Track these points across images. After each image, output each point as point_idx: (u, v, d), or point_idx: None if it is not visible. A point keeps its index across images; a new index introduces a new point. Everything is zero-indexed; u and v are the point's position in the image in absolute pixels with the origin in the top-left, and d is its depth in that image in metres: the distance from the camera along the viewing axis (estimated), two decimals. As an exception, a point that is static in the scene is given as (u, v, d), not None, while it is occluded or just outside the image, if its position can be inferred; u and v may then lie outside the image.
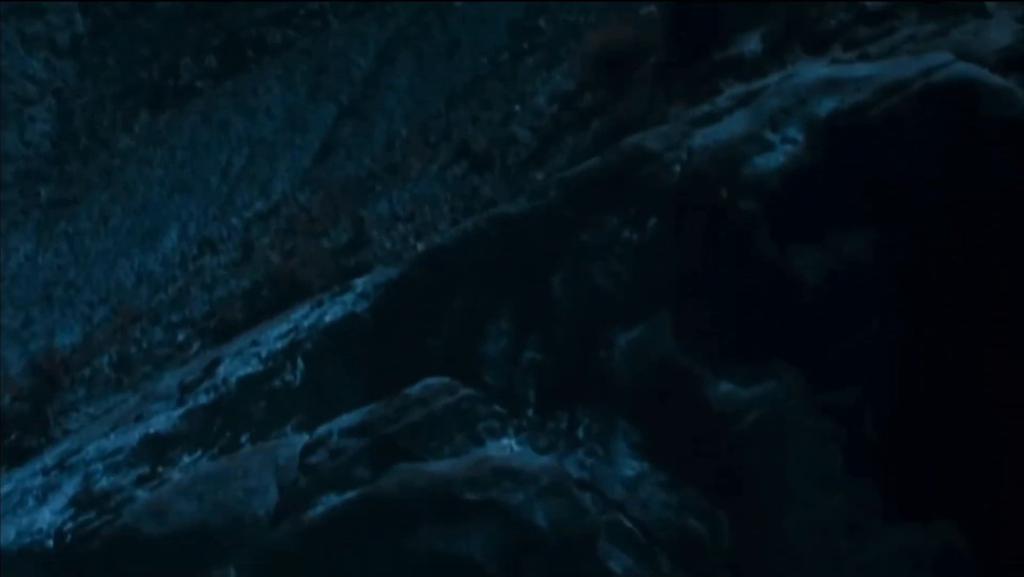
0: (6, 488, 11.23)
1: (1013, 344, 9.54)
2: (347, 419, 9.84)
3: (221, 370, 10.83)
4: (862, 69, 9.93)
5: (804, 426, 9.48)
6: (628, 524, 9.21)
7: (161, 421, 10.82)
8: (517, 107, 12.54)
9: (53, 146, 16.66)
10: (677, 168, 9.95)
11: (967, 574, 9.45)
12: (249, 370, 10.50)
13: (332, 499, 9.48)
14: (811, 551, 9.33)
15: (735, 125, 10.00)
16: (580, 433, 9.54)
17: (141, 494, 10.30)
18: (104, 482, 10.62)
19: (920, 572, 9.45)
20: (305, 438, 9.99)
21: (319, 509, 9.46)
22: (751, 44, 10.78)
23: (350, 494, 9.44)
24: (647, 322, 9.69)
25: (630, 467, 9.41)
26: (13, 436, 12.49)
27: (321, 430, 9.90)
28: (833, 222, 9.76)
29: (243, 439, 10.26)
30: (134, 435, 10.92)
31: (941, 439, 9.44)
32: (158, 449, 10.63)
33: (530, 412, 9.71)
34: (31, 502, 11.06)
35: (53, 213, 15.70)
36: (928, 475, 9.48)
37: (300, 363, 10.30)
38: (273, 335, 10.74)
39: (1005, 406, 9.50)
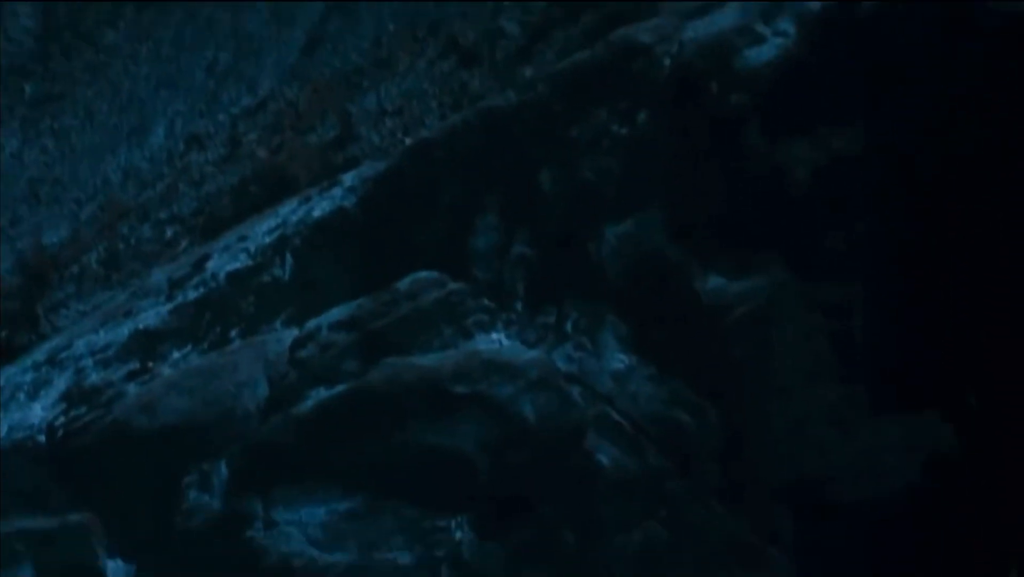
0: (-3, 384, 11.27)
1: (1009, 238, 9.54)
2: (336, 313, 9.83)
3: (210, 266, 10.80)
4: (856, -40, 9.82)
5: (793, 320, 9.50)
6: (616, 417, 9.26)
7: (150, 317, 10.81)
8: (506, 1, 12.39)
9: (36, 42, 16.46)
10: (667, 61, 9.86)
11: (957, 468, 9.54)
12: (238, 265, 10.47)
13: (322, 393, 9.51)
14: (799, 444, 9.40)
15: (727, 18, 9.89)
16: (569, 327, 9.55)
17: (131, 389, 10.32)
18: (94, 377, 10.64)
19: (909, 466, 9.52)
20: (295, 332, 9.99)
21: (309, 403, 9.49)
22: (743, -65, 10.65)
23: (339, 388, 9.47)
24: (636, 216, 9.66)
25: (619, 360, 9.44)
26: (3, 333, 12.49)
27: (310, 324, 9.90)
28: (825, 116, 9.70)
29: (232, 334, 10.26)
30: (124, 331, 10.92)
31: (932, 333, 9.47)
32: (148, 344, 10.63)
33: (519, 306, 9.71)
34: (22, 398, 11.09)
35: (38, 110, 15.56)
36: (918, 369, 9.52)
37: (289, 258, 10.27)
38: (261, 230, 10.69)
39: (998, 300, 9.52)
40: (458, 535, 9.06)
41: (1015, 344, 9.51)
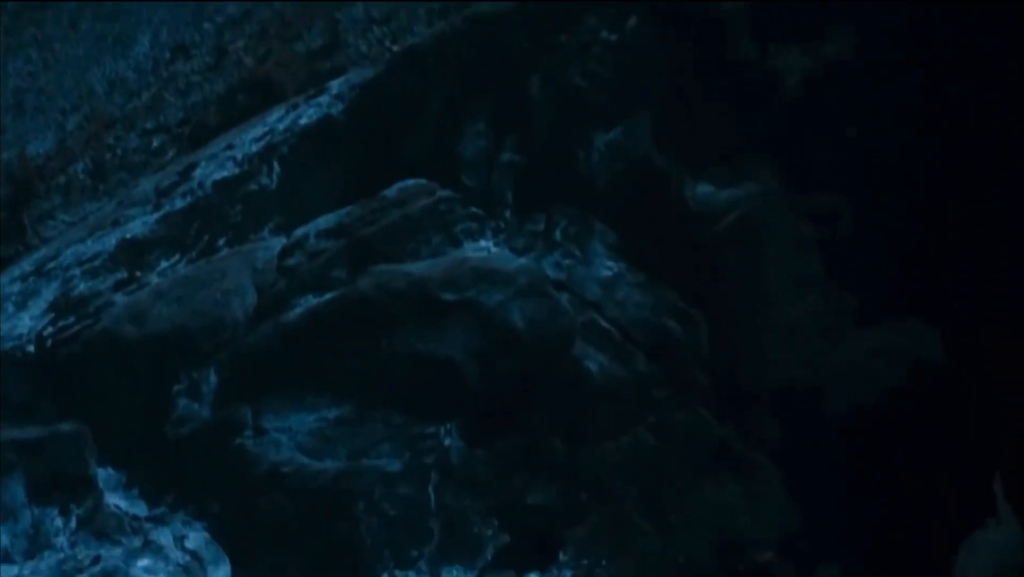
0: (-16, 295, 11.23)
1: (1000, 147, 9.51)
2: (324, 221, 9.79)
3: (197, 174, 10.72)
4: None
5: (781, 228, 9.49)
6: (604, 324, 9.27)
7: (138, 226, 10.75)
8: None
9: (19, -50, 16.23)
10: (658, -33, 9.76)
11: (942, 375, 9.58)
12: (225, 174, 10.39)
13: (310, 301, 9.49)
14: (786, 352, 9.43)
15: (717, -77, 9.78)
16: (557, 234, 9.53)
17: (119, 298, 10.28)
18: (82, 287, 10.59)
19: (894, 373, 9.56)
20: (282, 240, 9.95)
21: (297, 311, 9.48)
22: None
23: (328, 296, 9.45)
24: (625, 123, 9.61)
25: (607, 268, 9.44)
26: (-10, 244, 12.44)
27: (298, 232, 9.86)
28: (817, 23, 9.63)
29: (220, 242, 10.21)
30: (111, 240, 10.86)
31: (919, 241, 9.48)
32: (135, 254, 10.58)
33: (507, 214, 9.68)
34: (11, 308, 11.05)
35: (21, 19, 15.37)
36: (905, 277, 9.53)
37: (276, 166, 10.20)
38: (248, 138, 10.60)
39: (987, 206, 9.51)
40: (447, 442, 9.09)
41: (1002, 251, 9.52)
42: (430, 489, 9.02)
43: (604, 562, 9.00)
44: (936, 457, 9.43)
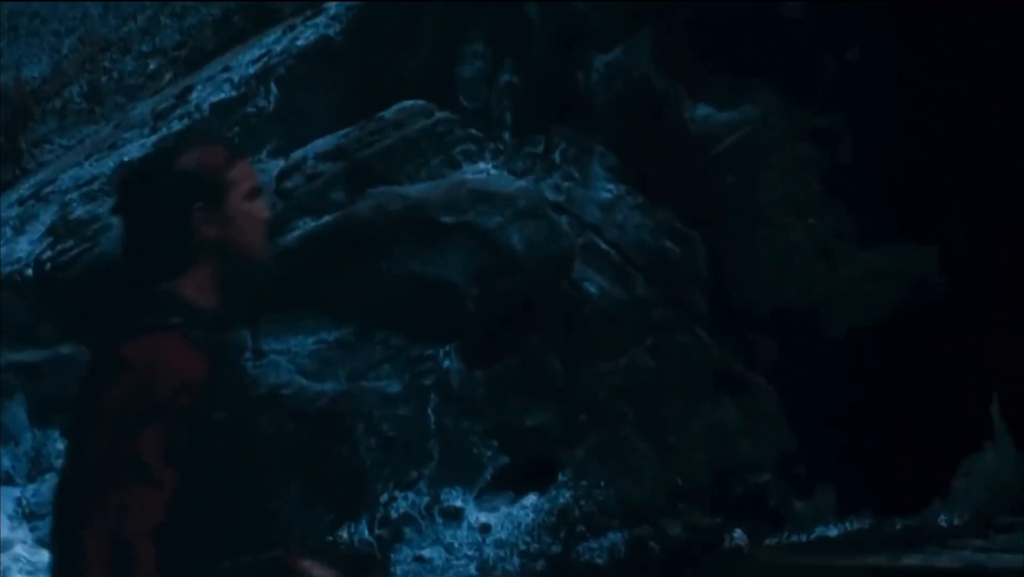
0: (-18, 221, 11.21)
1: (1004, 68, 9.46)
2: (322, 143, 9.72)
3: (193, 97, 10.66)
4: None
5: (781, 150, 9.47)
6: (604, 246, 9.26)
7: (135, 149, 10.69)
8: None
9: None
10: None
11: (940, 297, 9.60)
12: (222, 96, 10.32)
13: (308, 223, 9.46)
14: (784, 274, 9.44)
15: None
16: (556, 156, 9.49)
17: (118, 222, 10.26)
18: (80, 211, 10.56)
19: (893, 295, 9.59)
20: (280, 163, 9.90)
21: (296, 233, 9.44)
22: None
23: (326, 218, 9.42)
24: (625, 44, 9.52)
25: (606, 190, 9.41)
26: (-13, 169, 12.40)
27: (296, 155, 9.80)
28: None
29: (218, 166, 10.17)
30: (108, 164, 10.82)
31: (919, 162, 9.46)
32: (133, 177, 10.53)
33: (506, 135, 9.63)
34: (8, 232, 11.03)
35: (14, -59, 15.22)
36: (905, 199, 9.52)
37: (273, 88, 10.13)
38: (245, 60, 10.52)
39: (989, 128, 9.49)
40: (446, 363, 9.11)
41: (1004, 172, 9.51)
42: (429, 411, 9.05)
43: (602, 483, 9.06)
44: (933, 380, 9.47)
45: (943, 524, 9.49)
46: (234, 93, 10.30)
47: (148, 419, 2.82)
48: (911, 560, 8.73)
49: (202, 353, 3.00)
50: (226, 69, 10.67)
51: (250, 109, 10.21)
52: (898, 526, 9.41)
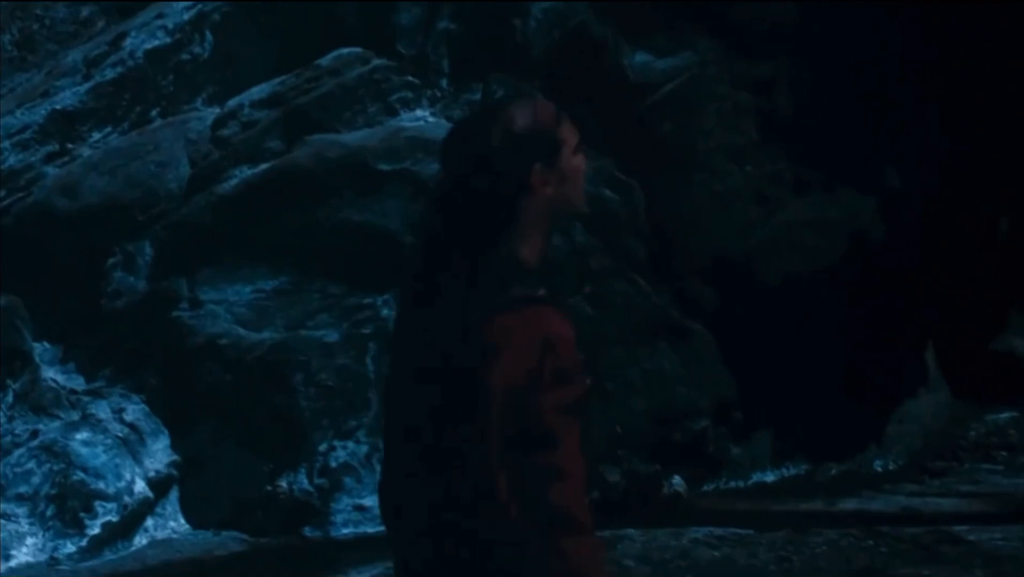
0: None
1: (937, 18, 9.50)
2: (258, 91, 9.61)
3: (127, 44, 10.46)
4: None
5: (719, 97, 9.48)
6: (542, 194, 9.24)
7: (68, 97, 10.52)
8: None
9: None
10: None
11: (876, 245, 9.68)
12: (156, 43, 10.14)
13: (245, 171, 9.36)
14: (722, 221, 9.48)
15: None
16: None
17: (51, 171, 10.09)
18: (12, 160, 10.38)
19: (829, 243, 9.66)
20: (216, 111, 9.78)
21: (232, 181, 9.35)
22: None
23: (263, 166, 9.32)
24: (563, -10, 9.50)
25: (544, 137, 9.38)
26: (-84, 119, 12.17)
27: (232, 103, 9.68)
28: None
29: (153, 113, 10.02)
30: (41, 112, 10.62)
31: (856, 108, 9.50)
32: (66, 125, 10.36)
33: (444, 83, 9.57)
34: (-60, 182, 10.86)
35: None
36: (841, 146, 9.58)
37: (208, 35, 9.97)
38: (179, 7, 10.32)
39: (926, 80, 9.54)
40: (384, 312, 9.08)
41: (941, 120, 9.57)
42: (368, 359, 9.02)
43: (541, 430, 9.08)
44: (869, 327, 9.56)
45: (878, 469, 9.62)
46: (168, 40, 10.13)
47: (560, 385, 2.82)
48: (846, 505, 8.84)
49: (567, 316, 2.95)
50: (160, 16, 10.49)
51: (185, 56, 10.06)
52: (833, 472, 9.53)
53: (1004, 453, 9.71)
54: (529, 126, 3.01)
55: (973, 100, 9.63)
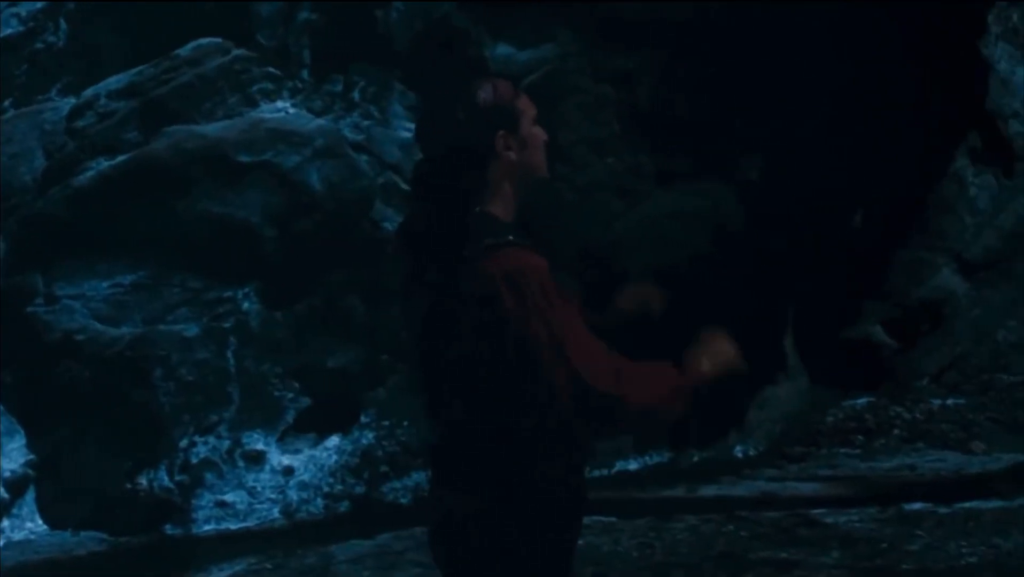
0: None
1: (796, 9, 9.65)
2: (115, 81, 9.43)
3: (-21, 33, 10.24)
4: None
5: (581, 90, 9.52)
6: (404, 186, 9.21)
7: (-82, 86, 10.26)
8: None
9: None
10: None
11: (736, 236, 9.80)
12: (9, 31, 9.91)
13: (102, 163, 9.18)
14: (585, 213, 9.53)
15: None
16: (356, 95, 9.40)
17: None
18: None
19: (691, 234, 9.75)
20: (72, 101, 9.58)
21: (88, 174, 9.16)
22: None
23: (120, 158, 9.15)
24: (425, -19, 9.48)
25: (406, 129, 9.36)
26: None
27: (88, 93, 9.48)
28: None
29: (6, 104, 9.79)
30: None
31: (716, 101, 9.60)
32: (-84, 116, 10.10)
33: (305, 74, 9.49)
34: None
35: None
36: (702, 138, 9.67)
37: (63, 24, 9.79)
38: (34, -5, 10.16)
39: (784, 66, 9.66)
40: (245, 305, 8.99)
41: (800, 111, 9.71)
42: (229, 353, 8.92)
43: (406, 423, 9.08)
44: (729, 315, 9.67)
45: (739, 455, 9.76)
46: (22, 28, 9.93)
47: (556, 302, 3.25)
48: (707, 491, 8.95)
49: (542, 254, 3.34)
50: (13, 3, 10.26)
51: (39, 45, 9.86)
52: (695, 459, 9.64)
53: (861, 438, 9.91)
54: (490, 99, 3.46)
55: (831, 93, 9.80)
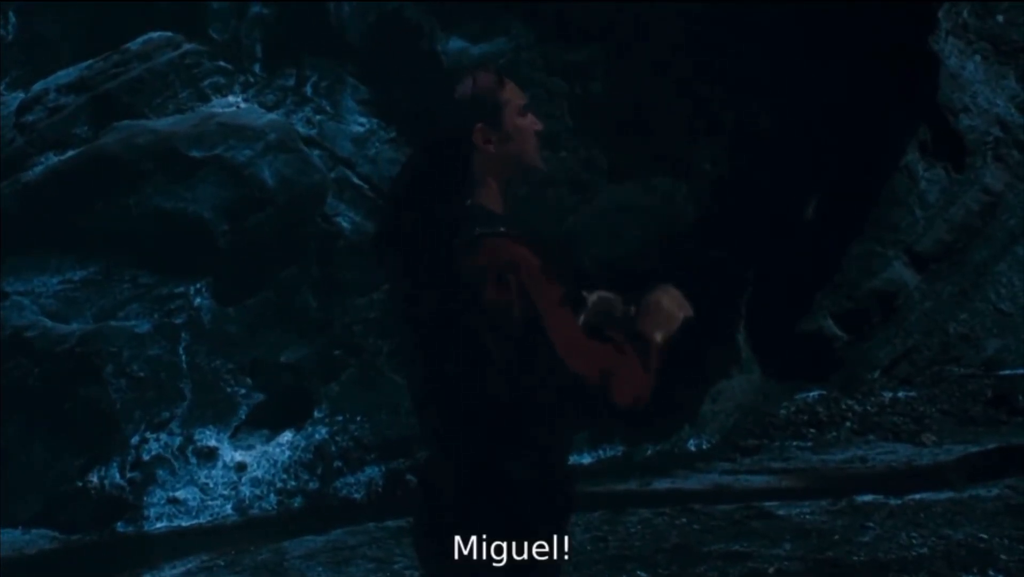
0: None
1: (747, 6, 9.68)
2: (64, 75, 9.36)
3: (-74, 26, 10.13)
4: None
5: (534, 83, 9.51)
6: (356, 180, 9.19)
7: None
8: None
9: None
10: None
11: (688, 230, 9.83)
12: (-44, 25, 9.85)
13: (51, 158, 9.12)
14: (539, 205, 9.51)
15: None
16: (308, 89, 9.36)
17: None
18: None
19: (641, 227, 9.78)
20: (20, 96, 9.50)
21: (38, 169, 9.09)
22: None
23: (70, 153, 9.09)
24: (377, -25, 9.44)
25: (358, 124, 9.33)
26: None
27: (37, 87, 9.41)
28: None
29: (-47, 99, 9.72)
30: None
31: (670, 96, 9.63)
32: None
33: (257, 68, 9.44)
34: None
35: None
36: (655, 132, 9.70)
37: (12, 17, 9.70)
38: (-19, -12, 10.05)
39: (741, 65, 9.70)
40: (197, 301, 8.94)
41: (753, 104, 9.75)
42: (180, 349, 8.87)
43: (359, 418, 9.05)
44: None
45: (692, 449, 9.79)
46: (-30, 22, 9.83)
47: (543, 288, 3.19)
48: (660, 484, 8.97)
49: (531, 245, 3.31)
50: (-39, -3, 10.17)
51: (-13, 39, 9.76)
52: (649, 452, 9.67)
53: (813, 430, 9.96)
54: (468, 92, 3.39)
55: (782, 88, 9.84)
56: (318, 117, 9.30)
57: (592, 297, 3.64)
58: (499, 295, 3.17)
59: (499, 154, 3.37)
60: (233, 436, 8.98)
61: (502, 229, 3.26)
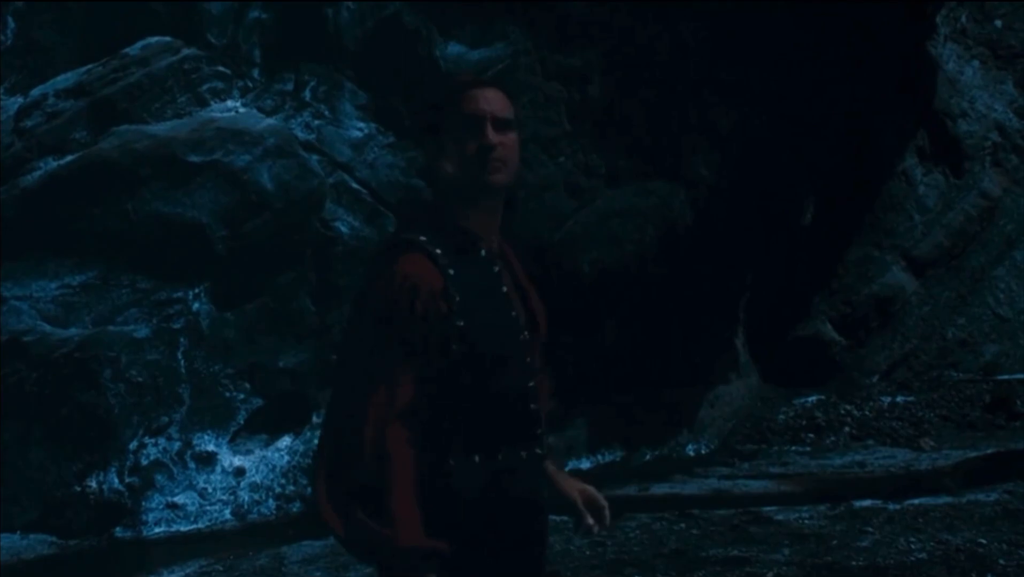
0: None
1: (742, 12, 9.69)
2: (63, 80, 9.35)
3: (-76, 31, 10.13)
4: None
5: (532, 88, 9.53)
6: (354, 185, 9.19)
7: None
8: None
9: None
10: None
11: (685, 235, 9.83)
12: (-45, 30, 9.85)
13: (50, 163, 9.11)
14: (536, 210, 9.54)
15: None
16: (307, 94, 9.36)
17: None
18: None
19: (639, 231, 9.79)
20: (19, 100, 9.49)
21: (36, 174, 9.08)
22: None
23: (68, 158, 9.08)
24: (375, -20, 9.44)
25: (357, 128, 9.33)
26: None
27: (36, 92, 9.40)
28: None
29: (-48, 103, 9.72)
30: None
31: (666, 102, 9.64)
32: None
33: (255, 73, 9.45)
34: None
35: None
36: (653, 138, 9.71)
37: (11, 21, 9.70)
38: (-21, -7, 10.06)
39: (732, 69, 9.72)
40: (195, 306, 8.93)
41: (745, 110, 9.77)
42: (179, 354, 8.86)
43: (358, 423, 9.03)
44: (681, 314, 9.73)
45: (690, 453, 9.80)
46: (-32, 27, 9.83)
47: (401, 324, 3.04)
48: (659, 489, 8.97)
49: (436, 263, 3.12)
50: (-40, 2, 10.17)
51: (-14, 44, 9.76)
52: (648, 457, 9.67)
53: (811, 435, 9.97)
54: (428, 108, 3.26)
55: (781, 93, 9.86)
56: (316, 122, 9.30)
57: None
58: (378, 309, 3.00)
59: (451, 173, 3.18)
60: (232, 441, 8.97)
61: (422, 239, 3.11)
